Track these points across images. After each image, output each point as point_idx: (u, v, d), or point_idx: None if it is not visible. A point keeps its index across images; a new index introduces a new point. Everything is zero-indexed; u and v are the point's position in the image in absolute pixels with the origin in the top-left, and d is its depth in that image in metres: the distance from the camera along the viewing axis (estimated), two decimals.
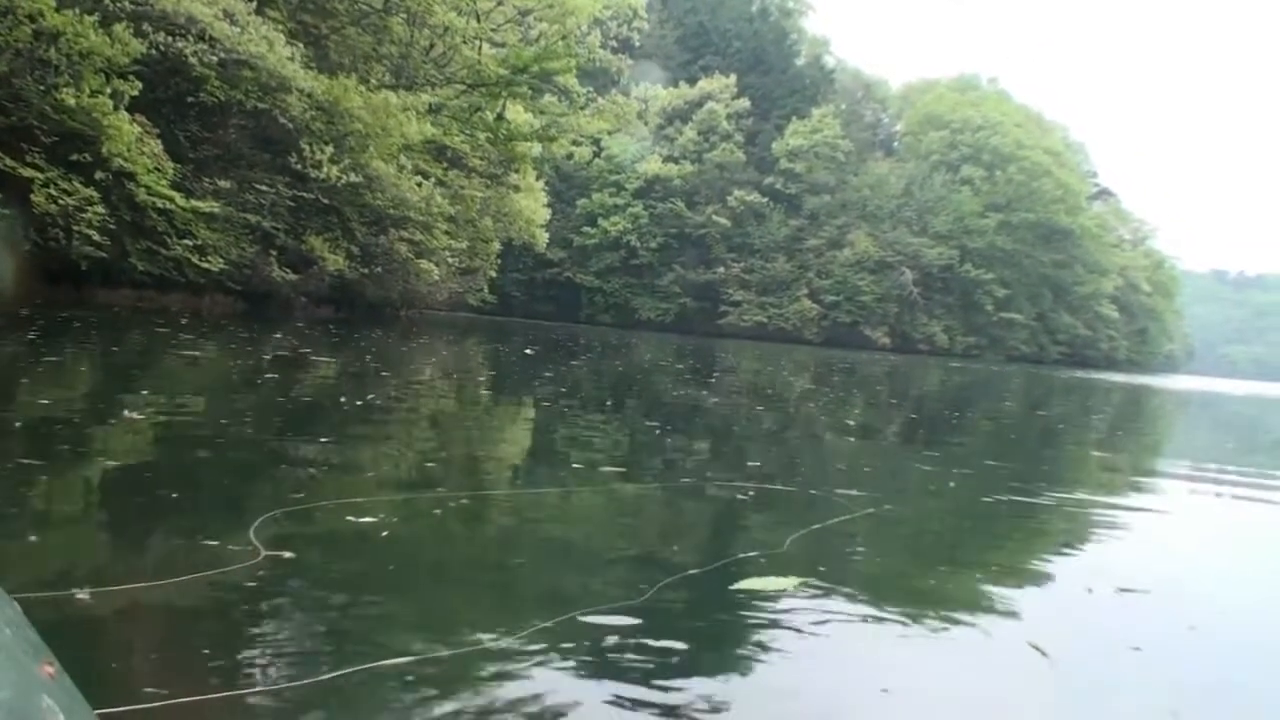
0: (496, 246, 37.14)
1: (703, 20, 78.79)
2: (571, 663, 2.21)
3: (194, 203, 19.36)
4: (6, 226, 15.04)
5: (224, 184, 20.83)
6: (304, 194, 23.18)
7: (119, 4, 18.10)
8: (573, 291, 71.90)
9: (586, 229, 69.56)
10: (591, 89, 37.69)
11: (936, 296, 71.99)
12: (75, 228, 17.14)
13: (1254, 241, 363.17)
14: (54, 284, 18.30)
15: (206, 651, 2.09)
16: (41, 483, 3.60)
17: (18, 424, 4.85)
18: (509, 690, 2.04)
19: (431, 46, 30.24)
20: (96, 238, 17.39)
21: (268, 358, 11.20)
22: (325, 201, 23.90)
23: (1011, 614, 3.02)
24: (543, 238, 39.43)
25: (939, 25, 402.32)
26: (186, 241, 19.56)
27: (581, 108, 36.60)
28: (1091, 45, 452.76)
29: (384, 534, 3.28)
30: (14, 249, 16.36)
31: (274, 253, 22.63)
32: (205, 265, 19.98)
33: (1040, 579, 3.61)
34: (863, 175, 73.83)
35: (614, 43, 36.28)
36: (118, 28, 17.56)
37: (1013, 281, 74.18)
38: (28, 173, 16.64)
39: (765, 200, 71.23)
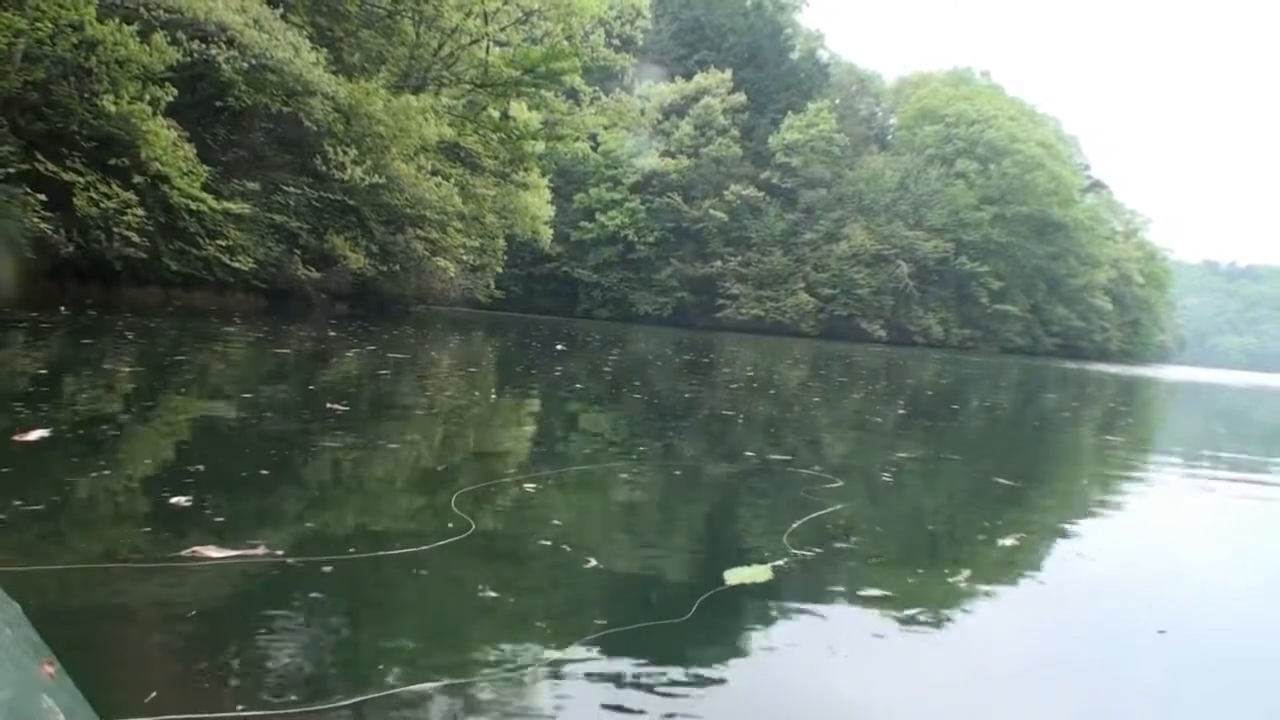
0: (502, 243, 37.69)
1: (698, 15, 78.99)
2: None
3: (225, 204, 19.93)
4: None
5: (252, 186, 21.42)
6: (327, 195, 23.80)
7: (154, 13, 18.70)
8: (571, 286, 72.25)
9: (584, 224, 69.81)
10: (596, 88, 38.29)
11: (932, 289, 72.46)
12: (115, 229, 17.73)
13: (1246, 233, 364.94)
14: (84, 283, 18.84)
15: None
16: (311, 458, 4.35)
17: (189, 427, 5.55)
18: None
19: (440, 47, 30.77)
20: (136, 239, 17.99)
21: (349, 354, 11.96)
22: (349, 202, 24.52)
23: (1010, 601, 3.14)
24: (547, 234, 39.89)
25: (931, 19, 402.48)
26: (219, 242, 20.16)
27: (588, 105, 37.23)
28: (1083, 39, 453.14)
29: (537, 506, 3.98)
30: (54, 251, 16.92)
31: (298, 252, 23.26)
32: (235, 265, 20.58)
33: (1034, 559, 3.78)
34: (858, 169, 74.12)
35: (617, 41, 36.78)
36: (155, 37, 18.17)
37: (1007, 274, 74.74)
38: (69, 177, 17.18)
39: (762, 194, 71.61)
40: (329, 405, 6.44)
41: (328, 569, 2.68)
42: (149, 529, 2.90)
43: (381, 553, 2.88)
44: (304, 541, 2.92)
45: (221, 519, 3.09)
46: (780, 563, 3.18)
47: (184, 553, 2.64)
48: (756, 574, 3.06)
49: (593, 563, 3.07)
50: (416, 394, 8.39)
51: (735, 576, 3.00)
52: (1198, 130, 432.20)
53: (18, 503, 3.03)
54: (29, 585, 2.31)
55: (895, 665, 2.46)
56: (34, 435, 4.09)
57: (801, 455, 6.17)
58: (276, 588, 2.53)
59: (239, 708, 1.83)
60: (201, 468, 3.89)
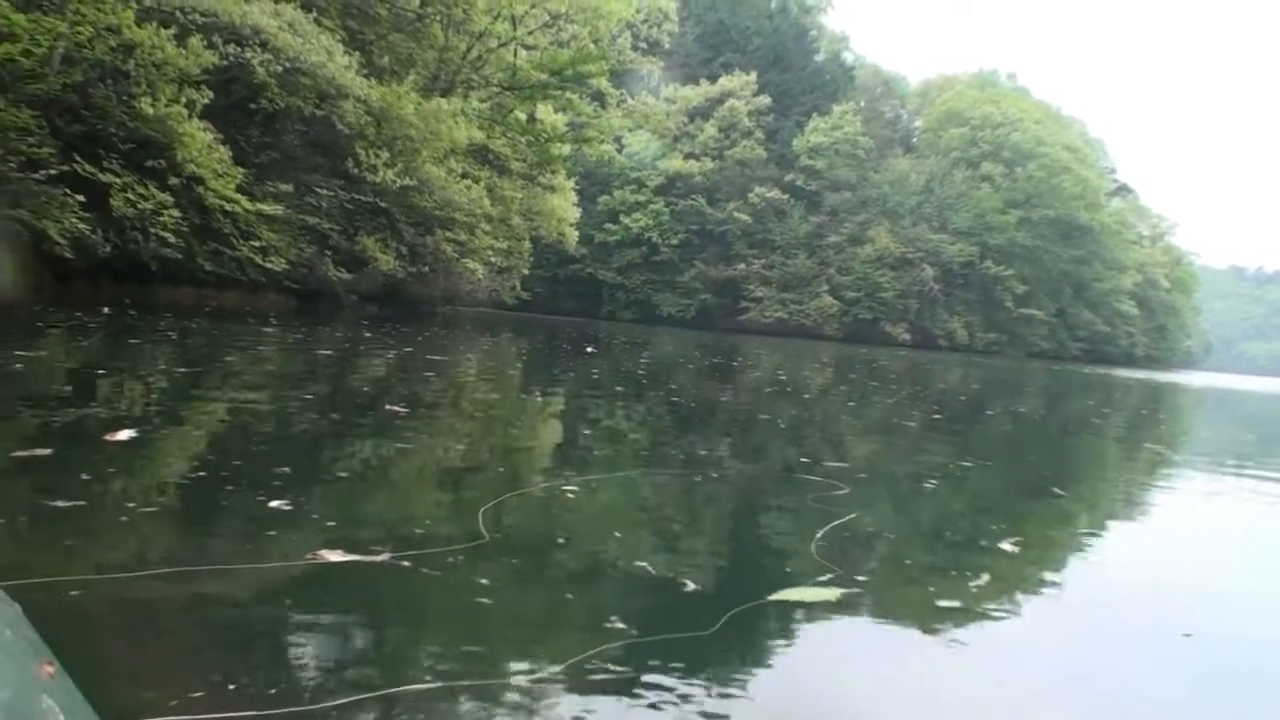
0: (529, 245, 37.80)
1: (722, 18, 78.84)
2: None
3: (258, 206, 20.12)
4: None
5: (284, 187, 21.61)
6: (359, 197, 24.00)
7: (190, 17, 18.94)
8: (595, 288, 72.27)
9: (609, 226, 69.80)
10: (623, 91, 38.41)
11: (957, 293, 72.20)
12: (151, 230, 17.94)
13: (1273, 238, 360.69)
14: (120, 283, 19.04)
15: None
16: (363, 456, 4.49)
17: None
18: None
19: (469, 50, 30.98)
20: (172, 240, 18.21)
21: (390, 356, 12.14)
22: (380, 204, 24.71)
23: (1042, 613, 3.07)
24: (573, 237, 39.86)
25: (955, 22, 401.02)
26: (252, 243, 20.38)
27: (614, 107, 37.36)
28: (1108, 41, 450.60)
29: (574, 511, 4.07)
30: (91, 251, 17.13)
31: (329, 253, 23.47)
32: (268, 265, 20.79)
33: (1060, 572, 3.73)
34: (883, 172, 73.97)
35: (643, 44, 36.92)
36: (192, 40, 18.40)
37: (1032, 278, 74.36)
38: (106, 178, 17.39)
39: (786, 197, 71.40)
40: (388, 407, 6.60)
41: (434, 570, 2.76)
42: (273, 532, 2.99)
43: (455, 550, 2.95)
44: (409, 542, 3.00)
45: (333, 523, 3.17)
46: (825, 578, 3.08)
47: (307, 556, 2.73)
48: (816, 594, 2.89)
49: (635, 568, 3.11)
50: (464, 396, 8.56)
51: (794, 595, 2.86)
52: (1224, 134, 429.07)
53: (131, 504, 3.12)
54: (178, 588, 2.42)
55: (927, 682, 2.40)
56: (123, 435, 4.20)
57: (836, 461, 6.15)
58: (399, 588, 2.62)
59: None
60: (288, 469, 3.99)
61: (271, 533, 2.98)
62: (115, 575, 2.43)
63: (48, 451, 3.78)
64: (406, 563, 2.77)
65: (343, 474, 4.20)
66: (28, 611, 1.39)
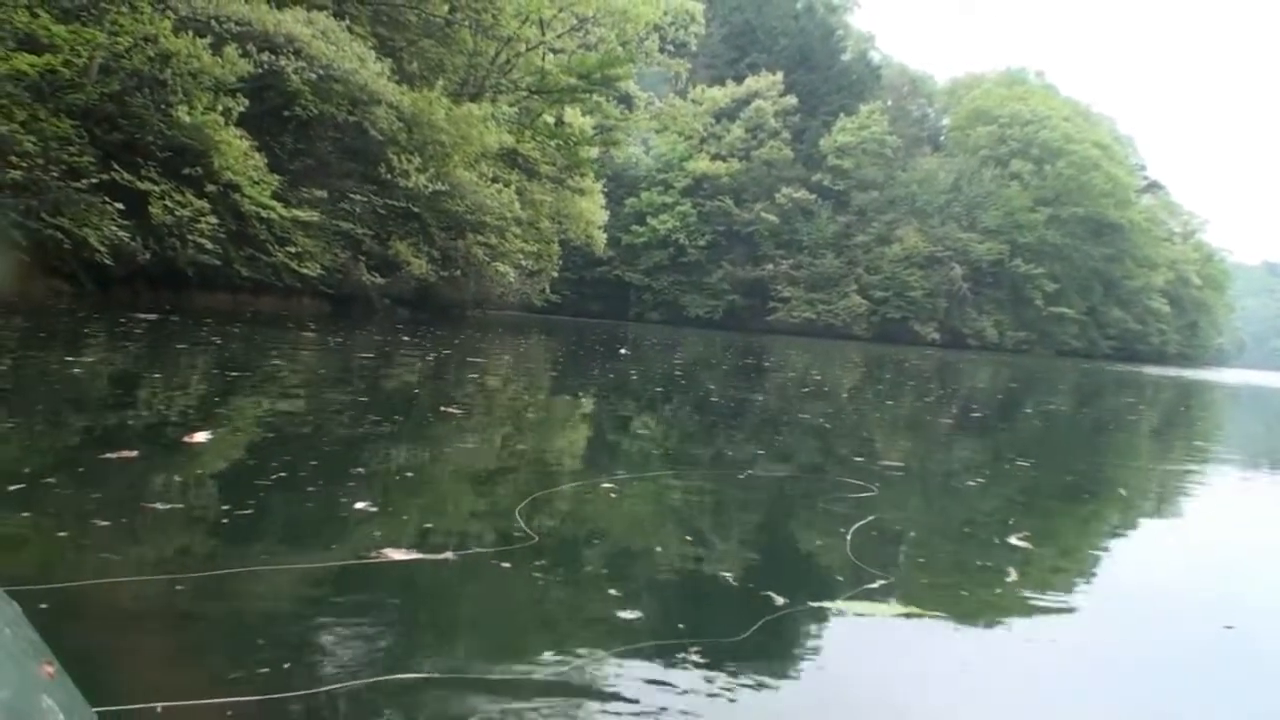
0: (558, 248, 37.90)
1: (748, 18, 78.81)
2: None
3: (294, 212, 20.33)
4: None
5: (319, 193, 21.83)
6: (391, 202, 24.20)
7: (225, 26, 19.15)
8: (622, 289, 72.48)
9: (635, 227, 70.05)
10: (651, 93, 38.46)
11: (986, 291, 71.83)
12: (189, 237, 18.14)
13: None
14: (156, 289, 19.27)
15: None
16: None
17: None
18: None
19: (497, 55, 31.14)
20: (209, 246, 18.41)
21: (430, 359, 12.30)
22: (412, 209, 24.91)
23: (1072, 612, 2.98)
24: (601, 239, 39.87)
25: (981, 20, 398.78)
26: (288, 249, 20.58)
27: (642, 109, 37.42)
28: (1138, 36, 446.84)
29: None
30: (130, 258, 17.35)
31: (362, 258, 23.67)
32: (303, 271, 21.00)
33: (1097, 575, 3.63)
34: (911, 171, 73.73)
35: (671, 46, 36.96)
36: (227, 49, 18.60)
37: (1062, 276, 73.85)
38: (144, 186, 17.61)
39: (813, 197, 71.27)
40: (442, 409, 6.74)
41: (480, 568, 2.83)
42: (379, 532, 3.05)
43: (506, 550, 3.00)
44: (477, 540, 3.09)
45: (431, 524, 3.26)
46: (875, 585, 2.98)
47: (372, 555, 2.78)
48: (856, 606, 2.77)
49: (676, 569, 3.12)
50: (512, 398, 8.70)
51: (835, 605, 2.76)
52: (1257, 129, 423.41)
53: (226, 507, 3.21)
54: (271, 583, 2.52)
55: (963, 690, 2.32)
56: (200, 437, 4.31)
57: (879, 463, 6.11)
58: (454, 586, 2.69)
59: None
60: (361, 470, 4.07)
61: (377, 533, 3.03)
62: (225, 571, 2.52)
63: (134, 454, 3.88)
64: (465, 561, 2.83)
65: (410, 473, 4.28)
66: (134, 608, 1.41)
